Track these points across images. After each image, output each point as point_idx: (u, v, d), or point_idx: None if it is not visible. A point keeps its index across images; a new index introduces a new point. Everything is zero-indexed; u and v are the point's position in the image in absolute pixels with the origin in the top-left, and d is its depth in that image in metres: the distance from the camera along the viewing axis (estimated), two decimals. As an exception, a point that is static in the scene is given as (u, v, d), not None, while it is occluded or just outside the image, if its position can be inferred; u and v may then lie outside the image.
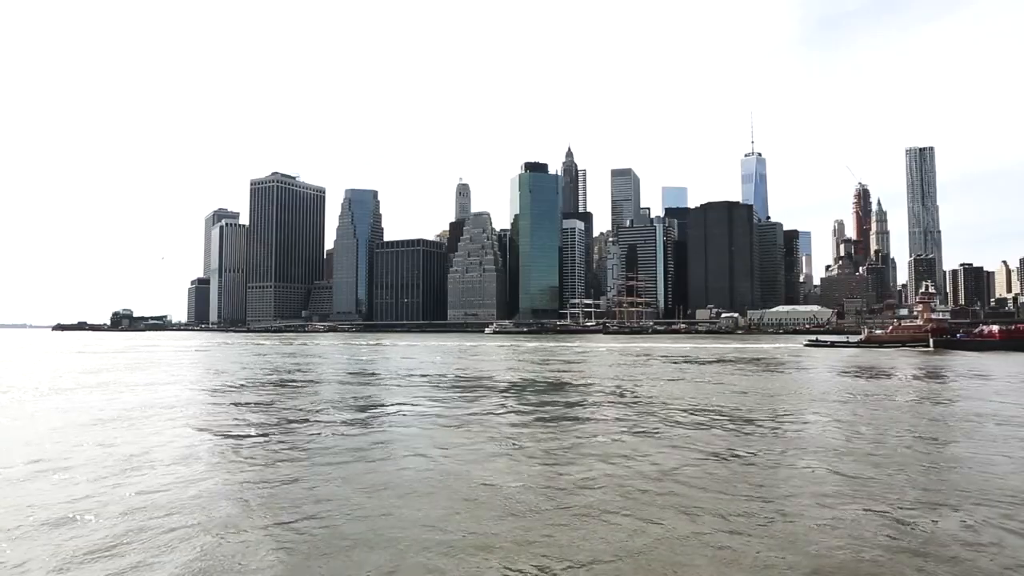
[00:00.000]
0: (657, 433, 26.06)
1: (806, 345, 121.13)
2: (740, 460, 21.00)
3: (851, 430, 27.04)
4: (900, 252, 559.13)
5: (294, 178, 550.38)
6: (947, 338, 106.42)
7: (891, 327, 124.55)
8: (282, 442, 24.30)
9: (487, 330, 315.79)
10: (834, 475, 18.91)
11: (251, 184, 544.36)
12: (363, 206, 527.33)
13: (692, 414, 31.44)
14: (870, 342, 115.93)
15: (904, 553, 12.54)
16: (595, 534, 13.71)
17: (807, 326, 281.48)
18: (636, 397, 39.38)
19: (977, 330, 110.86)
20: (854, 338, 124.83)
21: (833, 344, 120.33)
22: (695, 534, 13.67)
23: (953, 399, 38.71)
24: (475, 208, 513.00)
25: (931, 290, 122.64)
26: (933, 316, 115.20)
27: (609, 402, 36.96)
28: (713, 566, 11.95)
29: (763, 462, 20.79)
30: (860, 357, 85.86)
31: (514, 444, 23.79)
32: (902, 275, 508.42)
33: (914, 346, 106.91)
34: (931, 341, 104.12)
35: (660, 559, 12.35)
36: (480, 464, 20.52)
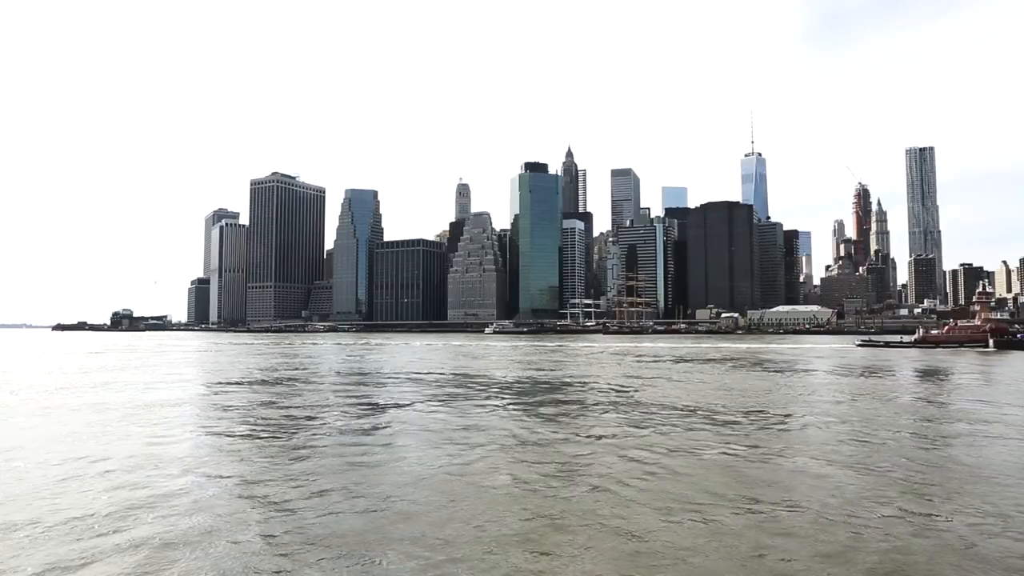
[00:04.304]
0: (665, 436, 25.88)
1: (858, 345, 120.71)
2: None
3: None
4: (900, 252, 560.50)
5: (294, 178, 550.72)
6: (1008, 338, 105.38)
7: (947, 327, 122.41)
8: (279, 441, 24.18)
9: (487, 330, 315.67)
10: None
11: (251, 184, 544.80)
12: (363, 206, 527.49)
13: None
14: (925, 342, 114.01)
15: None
16: (597, 534, 13.58)
17: (807, 326, 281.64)
18: (643, 399, 39.19)
19: None
20: (908, 338, 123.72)
21: (887, 344, 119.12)
22: (697, 535, 13.55)
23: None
24: (475, 208, 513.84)
25: (988, 290, 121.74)
26: (992, 316, 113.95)
27: (611, 403, 36.72)
28: (721, 566, 11.84)
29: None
30: (925, 358, 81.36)
31: (512, 444, 23.64)
32: (902, 275, 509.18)
33: (972, 346, 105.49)
34: (991, 341, 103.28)
35: (664, 562, 12.23)
36: (478, 464, 20.39)
